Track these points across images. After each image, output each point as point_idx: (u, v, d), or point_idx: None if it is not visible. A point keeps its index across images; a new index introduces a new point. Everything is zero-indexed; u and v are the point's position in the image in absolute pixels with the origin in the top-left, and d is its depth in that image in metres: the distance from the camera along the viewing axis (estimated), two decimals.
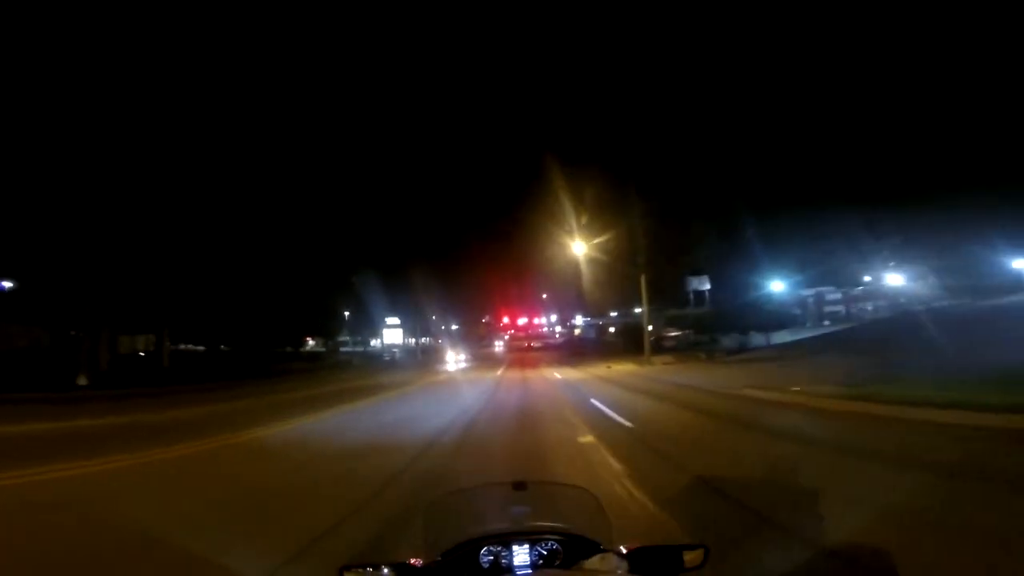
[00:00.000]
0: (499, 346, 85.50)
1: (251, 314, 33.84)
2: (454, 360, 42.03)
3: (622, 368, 25.45)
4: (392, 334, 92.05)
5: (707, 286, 47.38)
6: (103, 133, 21.91)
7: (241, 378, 23.79)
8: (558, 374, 24.09)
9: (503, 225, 61.38)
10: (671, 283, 44.94)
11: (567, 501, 1.79)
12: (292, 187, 34.47)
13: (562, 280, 49.65)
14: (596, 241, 28.85)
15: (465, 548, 1.36)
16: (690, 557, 1.30)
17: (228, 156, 28.38)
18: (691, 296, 48.08)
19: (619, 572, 1.27)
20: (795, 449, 6.41)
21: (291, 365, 33.25)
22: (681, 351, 31.15)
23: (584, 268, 34.76)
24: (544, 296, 57.53)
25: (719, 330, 36.54)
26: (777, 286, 37.77)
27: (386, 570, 1.28)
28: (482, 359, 48.36)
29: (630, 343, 45.35)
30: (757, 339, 31.15)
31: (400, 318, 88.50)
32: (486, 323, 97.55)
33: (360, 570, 1.29)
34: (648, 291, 29.38)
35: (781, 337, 31.60)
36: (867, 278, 48.43)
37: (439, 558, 1.34)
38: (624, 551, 1.31)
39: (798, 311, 49.60)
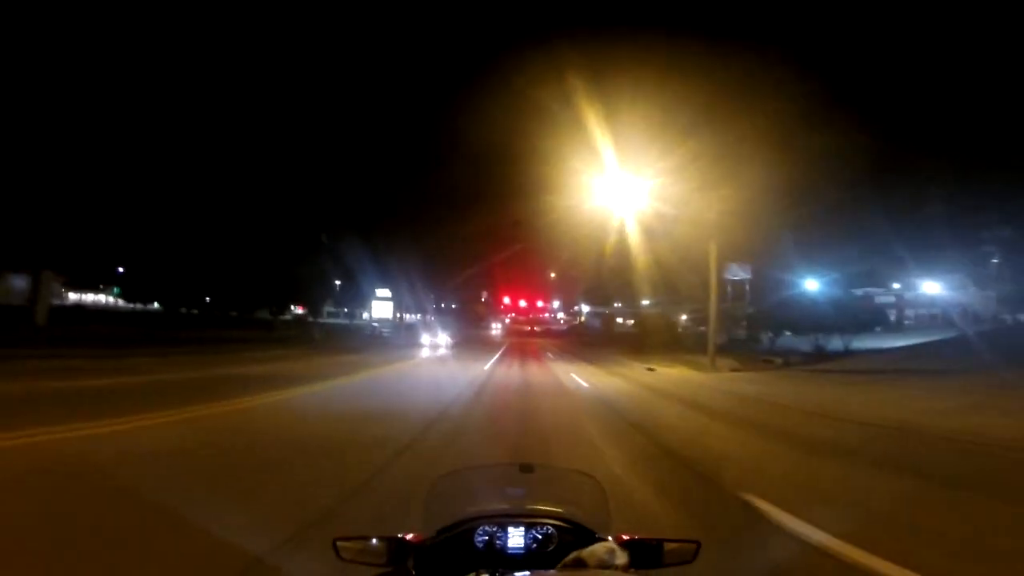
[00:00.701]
0: (497, 329, 78.10)
1: (205, 273, 31.04)
2: (431, 343, 34.39)
3: (675, 374, 18.04)
4: (381, 307, 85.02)
5: (747, 275, 39.85)
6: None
7: (121, 345, 16.51)
8: (579, 377, 16.12)
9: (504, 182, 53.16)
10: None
11: (570, 486, 1.83)
12: (267, 143, 32.26)
13: (576, 255, 42.44)
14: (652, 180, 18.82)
15: (461, 526, 1.35)
16: (682, 550, 1.31)
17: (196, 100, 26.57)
18: (728, 287, 40.69)
19: (615, 564, 1.18)
20: None
21: (224, 333, 25.85)
22: (731, 353, 23.65)
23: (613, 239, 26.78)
24: (552, 275, 49.62)
25: (764, 328, 31.41)
26: (811, 285, 32.79)
27: (378, 543, 1.28)
28: (474, 342, 40.97)
29: (654, 337, 38.09)
30: (831, 343, 23.65)
31: (393, 292, 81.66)
32: (485, 302, 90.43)
33: (354, 541, 1.29)
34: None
35: (861, 342, 24.04)
36: (896, 284, 45.63)
37: (434, 535, 1.33)
38: (620, 540, 1.28)
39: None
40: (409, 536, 1.30)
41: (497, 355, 26.14)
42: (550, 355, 29.02)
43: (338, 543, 1.26)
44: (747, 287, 41.05)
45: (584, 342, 44.17)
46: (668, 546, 1.30)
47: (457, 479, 1.78)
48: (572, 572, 1.18)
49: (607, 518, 1.47)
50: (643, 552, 1.27)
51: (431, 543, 1.30)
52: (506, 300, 62.93)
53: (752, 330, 39.41)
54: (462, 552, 1.30)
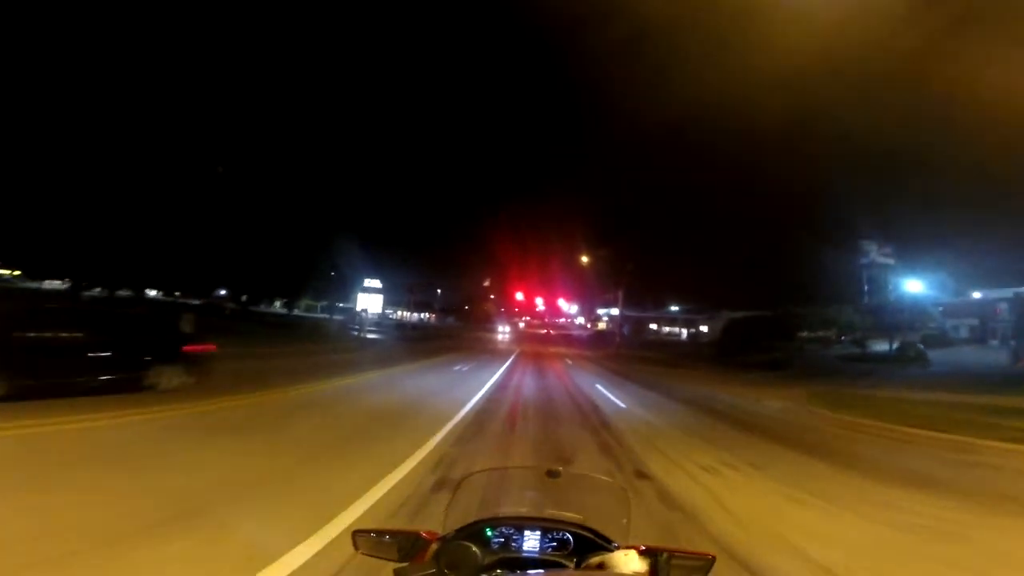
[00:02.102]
0: (504, 333, 64.74)
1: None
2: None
3: None
4: (369, 300, 72.37)
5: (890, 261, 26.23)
6: None
7: None
8: None
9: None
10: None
11: (593, 493, 1.83)
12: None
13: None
14: None
15: (477, 526, 1.36)
16: (698, 562, 1.30)
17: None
18: (864, 282, 27.29)
19: (631, 572, 1.21)
20: None
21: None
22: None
23: None
24: (585, 259, 36.08)
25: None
26: (914, 286, 29.09)
27: (394, 538, 1.30)
28: (467, 352, 27.87)
29: (743, 349, 24.71)
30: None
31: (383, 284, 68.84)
32: (493, 300, 77.57)
33: (371, 535, 1.32)
34: None
35: None
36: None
37: (451, 533, 1.33)
38: (638, 550, 1.27)
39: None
40: (425, 532, 1.31)
41: (482, 395, 12.73)
42: (592, 383, 15.71)
43: (356, 536, 1.30)
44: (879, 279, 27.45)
45: (627, 356, 30.74)
46: (681, 556, 1.28)
47: (481, 480, 1.78)
48: (587, 573, 1.24)
49: (627, 527, 1.48)
50: (660, 562, 1.25)
51: (447, 541, 1.30)
52: (518, 296, 49.58)
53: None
54: (477, 552, 1.28)
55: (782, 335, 28.94)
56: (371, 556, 1.28)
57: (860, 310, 33.70)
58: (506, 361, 22.16)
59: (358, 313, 38.47)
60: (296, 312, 51.65)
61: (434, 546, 1.26)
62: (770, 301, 36.53)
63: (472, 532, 1.32)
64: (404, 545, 1.27)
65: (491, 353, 28.05)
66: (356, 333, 36.09)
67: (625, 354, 31.70)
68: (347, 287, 60.81)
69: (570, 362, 24.27)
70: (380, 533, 1.31)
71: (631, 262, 37.95)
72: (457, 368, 17.15)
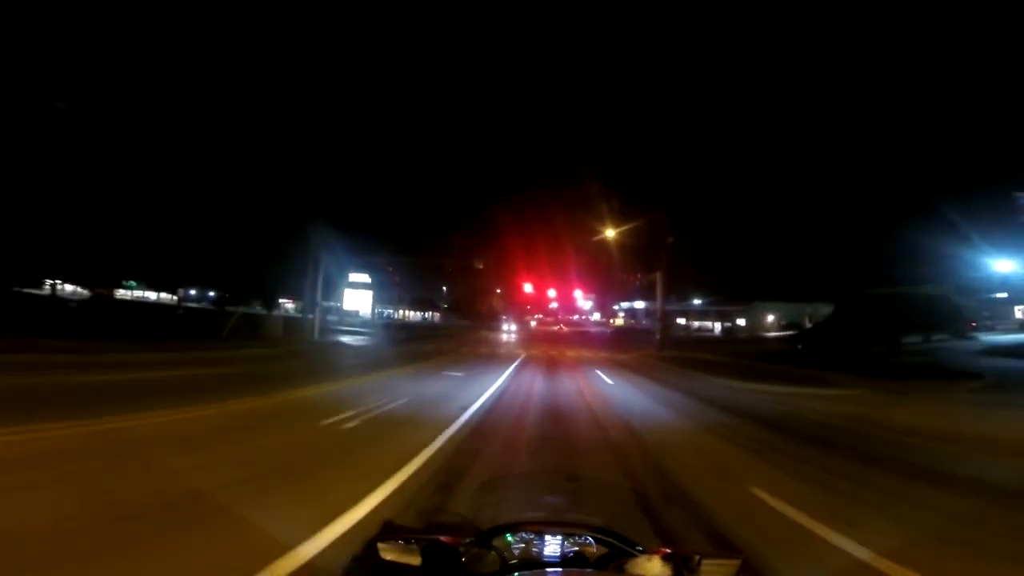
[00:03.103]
0: (511, 332, 55.63)
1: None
2: None
3: None
4: (357, 297, 63.89)
5: None
6: None
7: None
8: None
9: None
10: None
11: (612, 498, 1.92)
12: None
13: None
14: None
15: (498, 532, 1.35)
16: (725, 567, 1.24)
17: None
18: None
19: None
20: None
21: None
22: None
23: None
24: (611, 233, 26.87)
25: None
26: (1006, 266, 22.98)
27: (416, 545, 1.28)
28: (448, 360, 19.04)
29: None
30: None
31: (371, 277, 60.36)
32: (500, 294, 68.66)
33: (393, 544, 1.30)
34: None
35: None
36: None
37: (472, 539, 1.32)
38: (662, 554, 1.22)
39: None
40: (446, 539, 1.29)
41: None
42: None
43: (378, 545, 1.30)
44: None
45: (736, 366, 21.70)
46: (710, 562, 1.22)
47: (502, 485, 1.82)
48: (606, 574, 1.21)
49: (647, 531, 1.49)
50: (683, 567, 1.19)
51: (468, 547, 1.28)
52: (527, 289, 40.56)
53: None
54: (499, 557, 1.27)
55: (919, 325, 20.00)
56: (395, 563, 1.25)
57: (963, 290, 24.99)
58: (497, 379, 13.25)
59: (306, 312, 29.31)
60: (275, 313, 43.92)
61: (458, 551, 1.24)
62: (842, 286, 28.01)
63: (494, 537, 1.31)
64: (426, 552, 1.24)
65: (485, 361, 19.19)
66: (316, 336, 27.42)
67: (675, 357, 22.65)
68: (330, 284, 52.62)
69: (608, 380, 14.88)
70: (401, 542, 1.29)
71: (671, 234, 28.84)
72: (403, 402, 8.41)
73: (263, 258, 31.07)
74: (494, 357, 21.25)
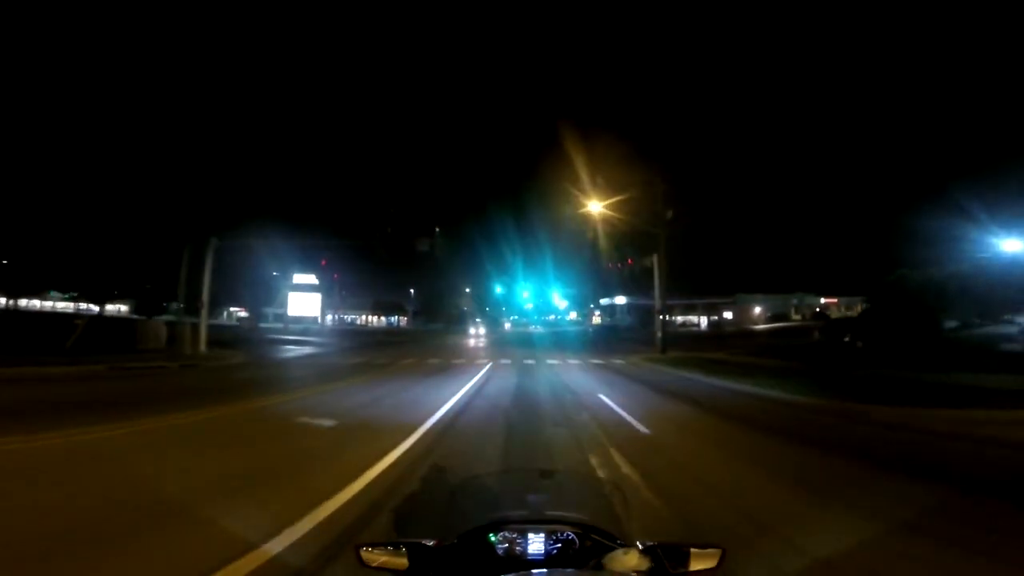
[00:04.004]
0: (479, 336, 48.96)
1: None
2: None
3: None
4: (303, 302, 56.18)
5: None
6: None
7: None
8: None
9: None
10: None
11: (590, 492, 1.83)
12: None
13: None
14: None
15: (482, 532, 1.33)
16: (706, 557, 1.22)
17: None
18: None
19: (636, 570, 1.18)
20: None
21: None
22: None
23: None
24: (601, 208, 20.74)
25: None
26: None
27: (400, 549, 1.26)
28: (376, 377, 12.32)
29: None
30: None
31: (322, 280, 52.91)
32: (469, 294, 62.14)
33: (377, 549, 1.27)
34: None
35: None
36: None
37: (455, 540, 1.30)
38: (642, 547, 1.23)
39: None
40: (430, 542, 1.28)
41: None
42: None
43: (361, 551, 1.25)
44: None
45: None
46: (691, 552, 1.22)
47: (477, 484, 1.76)
48: (593, 573, 1.19)
49: (627, 523, 1.42)
50: (665, 558, 1.20)
51: (452, 548, 1.27)
52: (498, 290, 33.88)
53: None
54: (483, 557, 1.27)
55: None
56: (380, 570, 1.23)
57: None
58: (403, 440, 6.73)
59: (181, 316, 21.73)
60: (159, 319, 37.62)
61: (440, 554, 1.23)
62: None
63: (477, 538, 1.30)
64: (410, 556, 1.22)
65: (415, 380, 12.48)
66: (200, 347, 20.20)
67: (688, 359, 16.44)
68: (263, 286, 44.92)
69: (643, 429, 8.52)
70: (385, 546, 1.26)
71: (671, 208, 22.78)
72: None
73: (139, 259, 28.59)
74: (442, 371, 14.54)
